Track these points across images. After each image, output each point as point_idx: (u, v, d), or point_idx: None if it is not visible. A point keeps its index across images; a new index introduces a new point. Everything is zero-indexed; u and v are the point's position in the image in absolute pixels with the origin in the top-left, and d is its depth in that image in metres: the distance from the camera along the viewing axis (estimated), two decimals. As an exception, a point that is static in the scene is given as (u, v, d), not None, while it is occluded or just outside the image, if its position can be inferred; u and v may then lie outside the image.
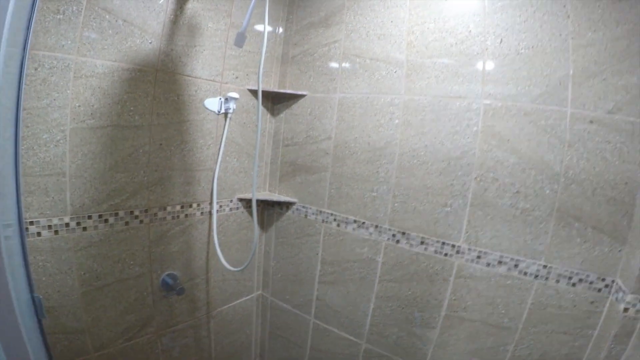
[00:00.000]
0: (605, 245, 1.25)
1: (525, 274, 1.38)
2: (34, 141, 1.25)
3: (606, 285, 1.25)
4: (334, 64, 1.84)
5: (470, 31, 1.48)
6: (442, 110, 1.52)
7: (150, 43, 1.52)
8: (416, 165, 1.59)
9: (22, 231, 1.08)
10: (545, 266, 1.34)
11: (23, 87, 1.10)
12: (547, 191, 1.33)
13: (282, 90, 1.98)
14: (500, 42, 1.41)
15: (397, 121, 1.64)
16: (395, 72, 1.64)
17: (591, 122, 1.26)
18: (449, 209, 1.52)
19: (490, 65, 1.43)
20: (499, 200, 1.41)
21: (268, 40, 1.99)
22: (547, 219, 1.33)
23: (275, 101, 2.07)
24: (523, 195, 1.37)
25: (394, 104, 1.64)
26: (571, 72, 1.28)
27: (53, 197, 1.32)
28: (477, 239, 1.47)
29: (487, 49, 1.44)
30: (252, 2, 1.26)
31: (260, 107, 1.55)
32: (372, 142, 1.71)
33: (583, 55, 1.27)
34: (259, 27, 1.92)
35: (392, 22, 1.67)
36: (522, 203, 1.37)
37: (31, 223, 1.27)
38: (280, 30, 2.06)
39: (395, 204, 1.65)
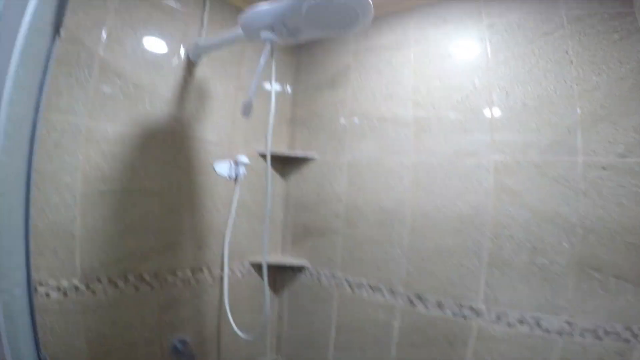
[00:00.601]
0: (630, 293, 1.23)
1: (548, 331, 1.35)
2: (44, 203, 1.29)
3: (634, 335, 1.22)
4: (342, 126, 1.92)
5: (475, 86, 1.55)
6: (453, 169, 1.57)
7: (161, 109, 1.61)
8: (429, 227, 1.61)
9: (31, 291, 1.11)
10: (568, 322, 1.32)
11: (35, 149, 1.16)
12: (565, 244, 1.33)
13: (291, 154, 2.05)
14: (506, 95, 1.48)
15: (407, 182, 1.68)
16: (404, 132, 1.71)
17: (603, 168, 1.28)
18: (465, 269, 1.52)
19: (498, 120, 1.49)
20: (515, 257, 1.42)
21: (277, 100, 2.08)
22: (566, 273, 1.33)
23: (286, 163, 2.13)
24: (540, 250, 1.37)
25: (404, 164, 1.69)
26: (579, 118, 1.33)
27: (62, 259, 1.34)
28: (495, 298, 1.46)
29: (493, 103, 1.50)
30: (257, 75, 1.34)
31: (270, 171, 1.61)
32: (383, 204, 1.74)
33: (589, 100, 1.32)
34: (268, 87, 2.01)
35: (397, 82, 1.75)
36: (540, 259, 1.37)
37: (40, 284, 1.28)
38: (289, 88, 2.16)
39: (410, 267, 1.65)
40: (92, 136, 1.41)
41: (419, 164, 1.66)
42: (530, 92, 1.43)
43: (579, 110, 1.33)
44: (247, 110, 1.37)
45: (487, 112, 1.52)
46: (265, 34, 1.30)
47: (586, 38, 1.36)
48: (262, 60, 1.33)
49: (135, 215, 1.54)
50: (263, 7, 1.28)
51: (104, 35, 1.45)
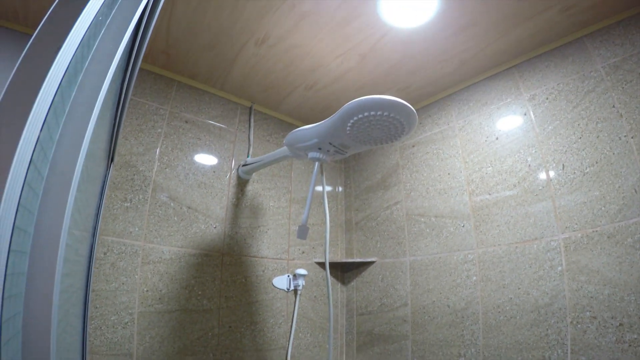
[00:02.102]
0: None
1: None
2: (102, 322, 1.43)
3: None
4: (399, 227, 1.99)
5: (529, 165, 1.58)
6: (520, 257, 1.55)
7: (215, 227, 1.79)
8: (503, 322, 1.57)
9: (88, 410, 1.20)
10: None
11: (92, 270, 1.31)
12: None
13: (349, 260, 2.12)
14: (563, 167, 1.49)
15: (474, 278, 1.67)
16: (463, 226, 1.75)
17: (679, 220, 1.21)
18: None
19: (559, 196, 1.48)
20: (601, 339, 1.32)
21: (330, 207, 2.24)
22: None
23: (345, 269, 2.19)
24: (627, 326, 1.27)
25: (468, 259, 1.71)
26: None
27: None
28: (586, 390, 1.35)
29: (551, 179, 1.51)
30: (309, 198, 1.47)
31: (330, 280, 1.70)
32: (451, 303, 1.73)
33: None
34: (328, 188, 2.17)
35: (449, 174, 1.84)
36: (629, 334, 1.26)
37: (97, 405, 1.37)
38: (340, 194, 2.31)
39: None
40: (149, 257, 1.59)
41: (484, 257, 1.66)
42: (586, 158, 1.44)
43: (640, 165, 1.32)
44: (303, 234, 1.46)
45: (546, 190, 1.52)
46: (313, 154, 1.44)
47: (629, 85, 1.38)
48: (313, 180, 1.47)
49: (194, 334, 1.64)
50: (307, 128, 1.42)
51: (156, 159, 1.70)
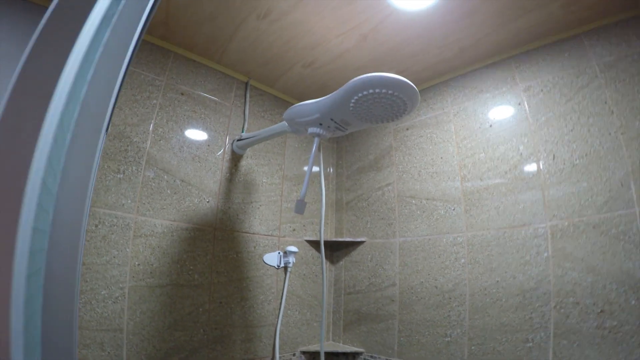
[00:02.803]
0: None
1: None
2: (92, 296, 1.43)
3: None
4: (390, 208, 2.05)
5: (521, 154, 1.65)
6: (508, 242, 1.62)
7: (208, 202, 1.80)
8: (489, 304, 1.64)
9: (76, 385, 1.22)
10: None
11: (83, 243, 1.30)
12: (633, 302, 1.33)
13: (339, 239, 2.18)
14: (553, 158, 1.56)
15: (463, 260, 1.74)
16: (454, 209, 1.81)
17: (663, 215, 1.31)
18: (531, 344, 1.52)
19: (548, 185, 1.56)
20: (583, 324, 1.41)
21: (320, 186, 2.26)
22: (638, 332, 1.31)
23: (334, 249, 2.25)
24: (608, 313, 1.37)
25: (457, 242, 1.78)
26: (630, 169, 1.38)
27: (109, 352, 1.45)
28: (567, 372, 1.44)
29: (542, 169, 1.59)
30: (308, 172, 1.48)
31: (324, 259, 1.73)
32: (439, 285, 1.80)
33: (637, 148, 1.38)
34: (317, 168, 2.21)
35: (442, 158, 1.89)
36: (609, 321, 1.36)
37: (86, 379, 1.38)
38: (332, 173, 2.36)
39: (472, 347, 1.66)
40: (140, 230, 1.59)
41: (473, 240, 1.73)
42: (576, 151, 1.51)
43: (628, 160, 1.39)
44: (300, 209, 1.47)
45: (536, 179, 1.60)
46: (313, 130, 1.45)
47: (622, 84, 1.45)
48: (312, 155, 1.48)
49: (185, 309, 1.67)
50: (309, 102, 1.43)
51: (150, 131, 1.69)
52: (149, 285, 1.59)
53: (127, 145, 1.63)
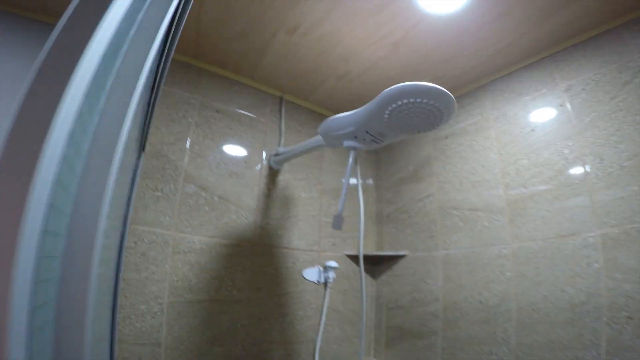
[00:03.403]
0: None
1: None
2: (131, 311, 1.48)
3: None
4: (432, 220, 1.99)
5: (566, 158, 1.56)
6: (556, 253, 1.53)
7: (246, 218, 1.82)
8: (537, 320, 1.55)
9: (114, 397, 1.24)
10: None
11: (123, 259, 1.35)
12: None
13: (380, 253, 2.14)
14: (601, 160, 1.46)
15: (508, 274, 1.66)
16: (498, 219, 1.73)
17: None
18: None
19: (597, 191, 1.46)
20: (637, 340, 1.30)
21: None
22: None
23: (375, 263, 2.21)
24: None
25: (502, 255, 1.69)
26: None
27: None
28: (620, 393, 1.33)
29: (589, 173, 1.49)
30: (344, 187, 1.48)
31: (364, 273, 1.69)
32: (484, 300, 1.72)
33: None
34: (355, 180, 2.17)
35: (483, 166, 1.82)
36: None
37: (125, 391, 1.43)
38: (371, 186, 2.33)
39: None
40: (179, 247, 1.64)
41: (519, 252, 1.65)
42: (624, 152, 1.41)
43: (680, 159, 1.28)
44: (338, 224, 1.47)
45: (583, 184, 1.50)
46: (349, 143, 1.44)
47: None
48: (348, 169, 1.47)
49: (223, 324, 1.68)
50: (343, 115, 1.43)
51: (187, 149, 1.74)
52: (188, 301, 1.62)
53: (165, 164, 1.68)
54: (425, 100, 1.19)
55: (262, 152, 1.97)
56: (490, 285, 1.72)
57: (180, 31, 0.90)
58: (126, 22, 0.55)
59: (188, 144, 1.76)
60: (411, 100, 1.19)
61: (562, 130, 1.60)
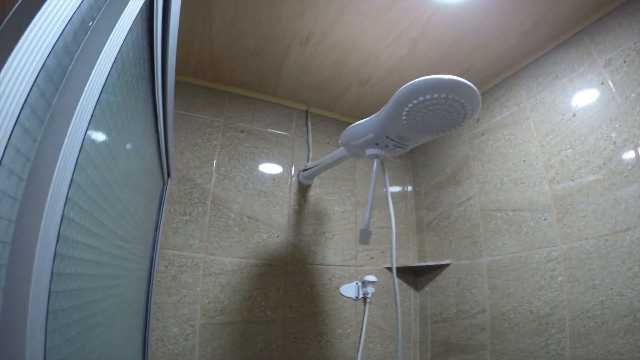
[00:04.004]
0: None
1: None
2: (163, 333, 1.47)
3: None
4: (474, 224, 1.81)
5: (614, 142, 1.34)
6: (611, 252, 1.31)
7: (277, 236, 1.76)
8: (594, 329, 1.33)
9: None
10: None
11: (154, 282, 1.37)
12: None
13: (422, 264, 1.97)
14: None
15: (560, 278, 1.45)
16: (545, 219, 1.53)
17: None
18: None
19: None
20: None
21: (399, 207, 2.10)
22: None
23: (418, 274, 2.06)
24: None
25: (552, 257, 1.49)
26: None
27: None
28: None
29: None
30: (370, 199, 1.36)
31: (398, 286, 1.56)
32: (534, 309, 1.52)
33: None
34: (393, 189, 2.07)
35: (524, 161, 1.63)
36: None
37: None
38: (410, 193, 2.18)
39: None
40: (210, 269, 1.62)
41: (570, 253, 1.43)
42: None
43: None
44: (365, 239, 1.36)
45: (637, 170, 1.27)
46: (371, 151, 1.33)
47: None
48: (373, 180, 1.36)
49: (257, 345, 1.63)
50: (361, 122, 1.33)
51: (213, 171, 1.72)
52: (220, 323, 1.59)
53: (192, 188, 1.67)
54: (443, 95, 1.05)
55: (290, 169, 1.91)
56: (540, 292, 1.51)
57: (169, 51, 0.85)
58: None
59: (214, 166, 1.74)
60: (427, 97, 1.06)
61: (606, 111, 1.38)
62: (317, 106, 2.10)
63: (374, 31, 1.57)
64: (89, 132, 0.46)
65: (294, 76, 1.85)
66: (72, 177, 0.42)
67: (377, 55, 1.70)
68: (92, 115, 0.45)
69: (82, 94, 0.43)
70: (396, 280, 1.51)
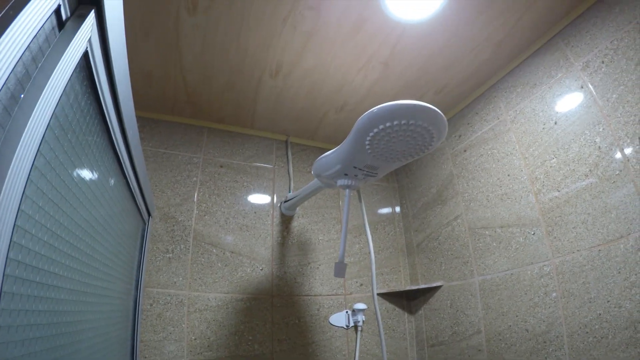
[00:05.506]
0: None
1: None
2: None
3: None
4: (463, 244, 1.69)
5: (599, 147, 1.22)
6: (605, 262, 1.18)
7: (262, 269, 1.65)
8: (593, 344, 1.19)
9: None
10: None
11: (139, 321, 1.28)
12: None
13: (414, 287, 1.84)
14: None
15: (554, 294, 1.31)
16: (534, 233, 1.40)
17: None
18: None
19: None
20: None
21: (387, 230, 2.00)
22: None
23: (411, 297, 1.93)
24: None
25: (544, 273, 1.36)
26: None
27: None
28: None
29: (629, 158, 1.14)
30: (343, 231, 1.24)
31: (380, 320, 1.43)
32: (530, 327, 1.38)
33: None
34: (383, 211, 1.98)
35: (509, 175, 1.51)
36: None
37: None
38: (397, 215, 2.07)
39: None
40: (194, 306, 1.52)
41: (563, 267, 1.30)
42: None
43: None
44: (340, 272, 1.26)
45: (625, 173, 1.15)
46: (341, 182, 1.26)
47: None
48: (345, 211, 1.28)
49: (247, 381, 1.51)
50: (329, 154, 1.24)
51: (194, 208, 1.64)
52: (208, 359, 1.49)
53: (174, 225, 1.60)
54: (404, 122, 0.96)
55: (272, 200, 1.81)
56: (535, 309, 1.38)
57: (120, 91, 0.75)
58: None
59: (195, 202, 1.65)
60: (388, 124, 0.97)
61: (588, 116, 1.27)
62: (297, 135, 2.00)
63: (344, 57, 1.49)
64: (29, 186, 0.42)
65: (269, 107, 1.76)
66: (15, 222, 0.39)
67: (350, 81, 1.62)
68: (29, 173, 0.42)
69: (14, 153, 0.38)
70: (377, 306, 1.39)
